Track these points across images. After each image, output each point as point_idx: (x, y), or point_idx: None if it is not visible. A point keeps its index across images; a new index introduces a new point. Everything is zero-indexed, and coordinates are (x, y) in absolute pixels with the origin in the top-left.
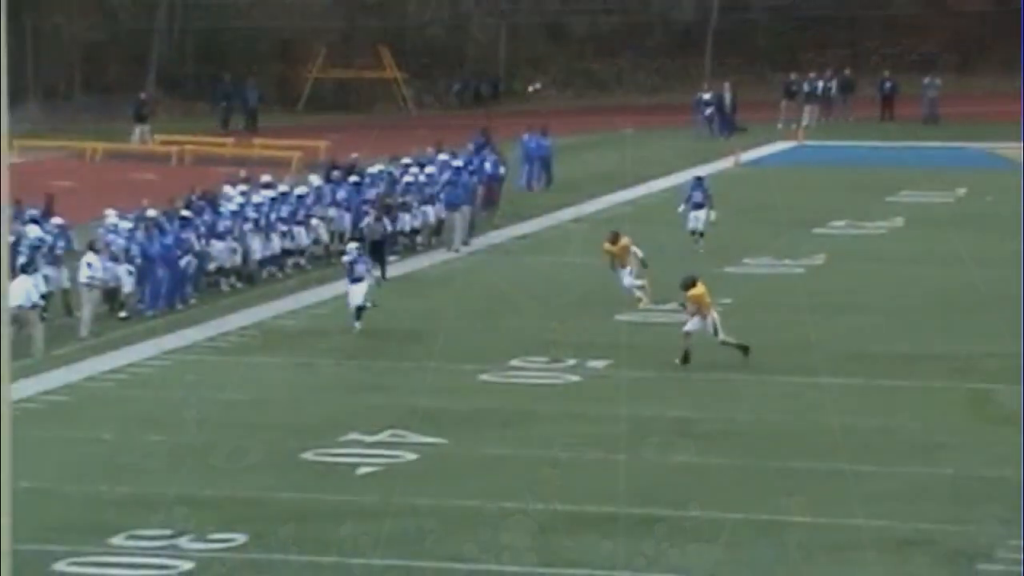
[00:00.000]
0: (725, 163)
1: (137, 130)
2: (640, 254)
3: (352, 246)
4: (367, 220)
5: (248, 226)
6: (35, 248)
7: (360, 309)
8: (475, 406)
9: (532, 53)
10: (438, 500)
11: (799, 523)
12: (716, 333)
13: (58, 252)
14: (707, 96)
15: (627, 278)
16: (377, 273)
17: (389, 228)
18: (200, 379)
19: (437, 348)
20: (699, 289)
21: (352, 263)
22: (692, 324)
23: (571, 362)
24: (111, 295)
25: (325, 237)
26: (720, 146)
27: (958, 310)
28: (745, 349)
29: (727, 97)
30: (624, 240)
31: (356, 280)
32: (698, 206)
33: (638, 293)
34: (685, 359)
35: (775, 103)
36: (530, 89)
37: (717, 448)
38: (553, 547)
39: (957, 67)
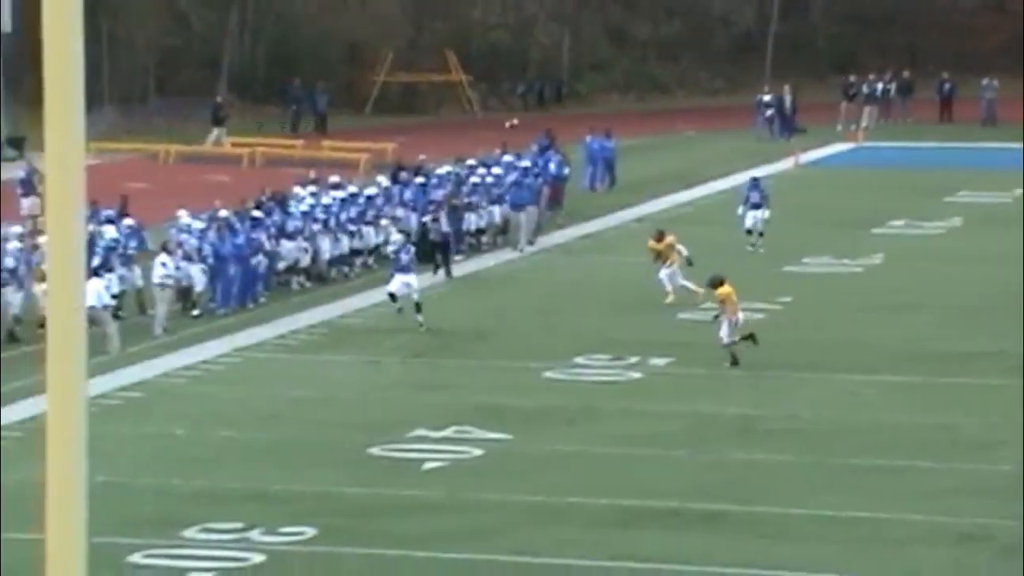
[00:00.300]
0: (785, 164)
1: (215, 132)
2: (684, 252)
3: (396, 237)
4: (426, 221)
5: (317, 226)
6: (110, 249)
7: (417, 305)
8: (539, 403)
9: (595, 57)
10: (503, 495)
11: (861, 518)
12: (727, 335)
13: (131, 252)
14: (767, 98)
15: (664, 271)
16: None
17: (447, 228)
18: (270, 376)
19: (502, 346)
20: (726, 289)
21: (397, 252)
22: (724, 328)
23: (634, 360)
24: (184, 294)
25: (394, 237)
26: (780, 147)
27: (1015, 309)
28: (735, 361)
29: (787, 99)
30: (669, 238)
31: (401, 270)
32: (755, 206)
33: (691, 287)
34: (735, 361)
35: (834, 105)
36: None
37: (779, 445)
38: (616, 541)
39: (1015, 69)
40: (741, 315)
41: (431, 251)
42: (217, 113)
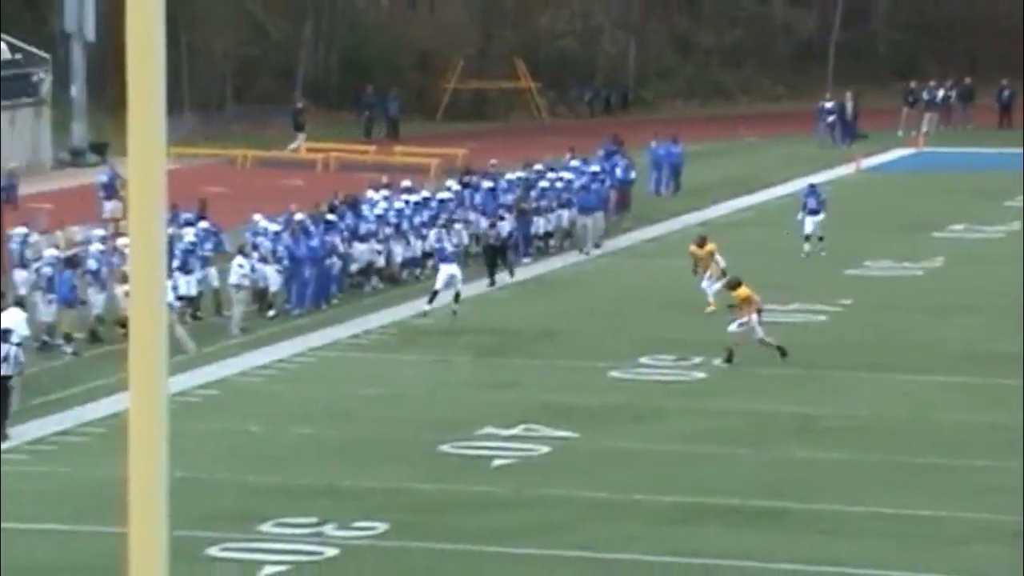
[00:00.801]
0: (847, 169)
1: (300, 137)
2: (722, 263)
3: (435, 232)
4: (483, 226)
5: (390, 230)
6: (188, 251)
7: (456, 295)
8: (605, 401)
9: (660, 64)
10: (569, 492)
11: (919, 516)
12: (740, 330)
13: (208, 254)
14: (829, 105)
15: (705, 281)
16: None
17: (506, 232)
18: (343, 375)
19: (569, 346)
20: (744, 290)
21: (440, 241)
22: (758, 329)
23: (697, 360)
24: (260, 295)
25: (465, 240)
26: (842, 153)
27: None
28: (730, 357)
29: (848, 105)
30: (710, 246)
31: (445, 260)
32: (813, 212)
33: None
34: (783, 352)
35: (896, 111)
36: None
37: (838, 443)
38: (678, 538)
39: None
40: (755, 317)
41: (491, 256)
42: (297, 119)
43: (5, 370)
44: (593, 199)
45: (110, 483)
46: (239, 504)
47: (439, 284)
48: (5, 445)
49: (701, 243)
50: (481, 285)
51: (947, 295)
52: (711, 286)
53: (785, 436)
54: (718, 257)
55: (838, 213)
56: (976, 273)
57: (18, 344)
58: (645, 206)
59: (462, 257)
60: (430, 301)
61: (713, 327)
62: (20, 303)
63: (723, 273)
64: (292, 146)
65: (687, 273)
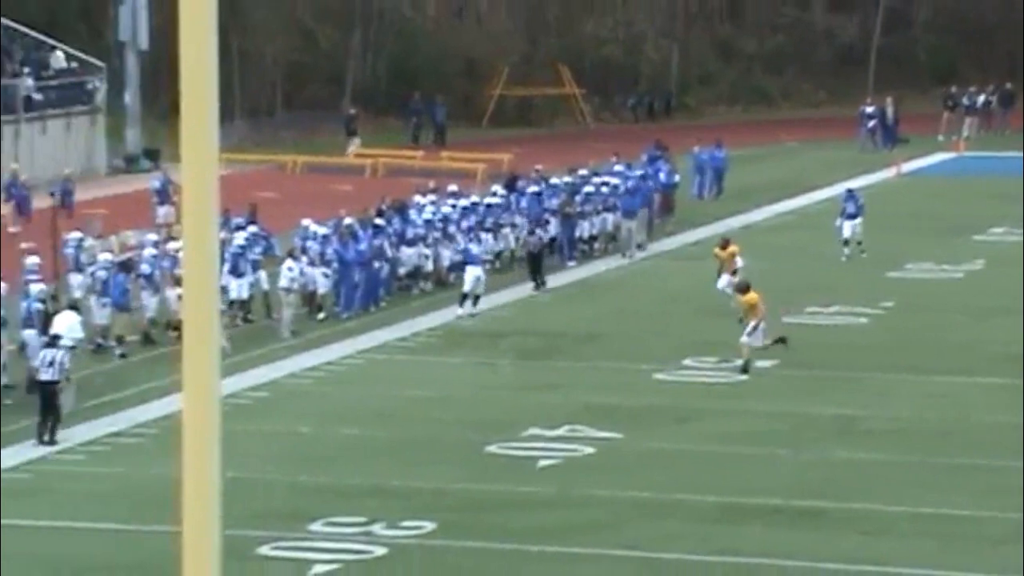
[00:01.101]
0: (887, 173)
1: (355, 142)
2: (740, 263)
3: (486, 236)
4: (523, 233)
5: (437, 234)
6: (238, 254)
7: (476, 298)
8: (649, 403)
9: (702, 70)
10: (613, 491)
11: (959, 516)
12: (750, 337)
13: (258, 258)
14: (870, 109)
15: (723, 280)
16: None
17: (545, 239)
18: (391, 377)
19: (613, 348)
20: (753, 295)
21: (468, 243)
22: (760, 336)
23: (740, 362)
24: (309, 298)
25: (512, 244)
26: (883, 157)
27: None
28: (746, 368)
29: (889, 110)
30: (732, 247)
31: (472, 262)
32: (851, 216)
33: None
34: (781, 340)
35: (936, 116)
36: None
37: (879, 444)
38: (721, 537)
39: None
40: (763, 324)
41: (533, 262)
42: (350, 125)
43: (51, 375)
44: (637, 203)
45: (163, 483)
46: (289, 504)
47: (468, 287)
48: (59, 447)
49: (724, 245)
50: (526, 288)
51: (987, 297)
52: (729, 287)
53: (826, 437)
54: (739, 259)
55: (879, 217)
56: (1016, 276)
57: (72, 347)
58: (688, 210)
59: (508, 261)
60: (462, 304)
61: None
62: (74, 306)
63: (734, 272)
64: (350, 150)
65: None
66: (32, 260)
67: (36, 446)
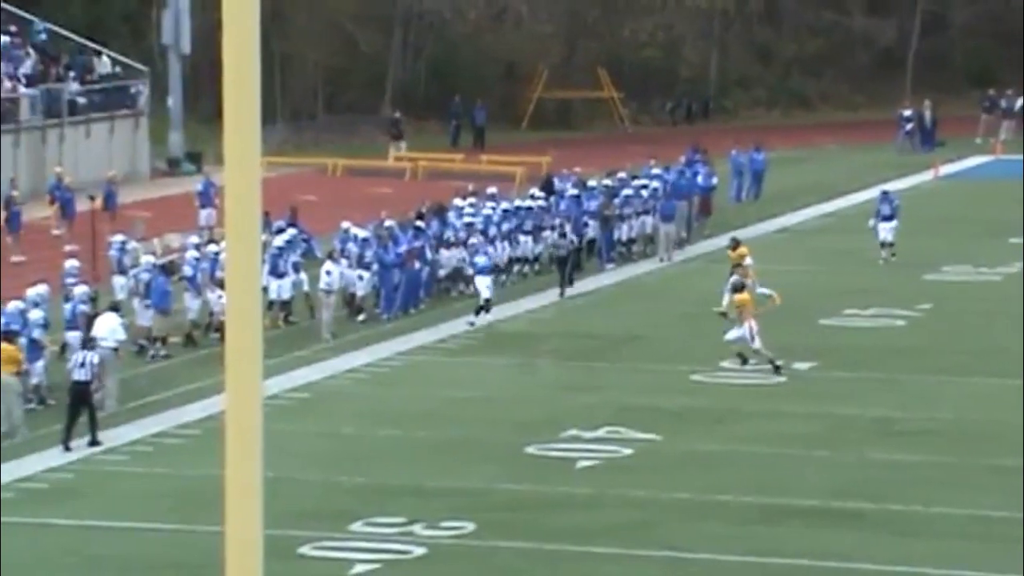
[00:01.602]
0: (925, 176)
1: (401, 145)
2: (748, 262)
3: (474, 240)
4: (552, 237)
5: (478, 236)
6: (276, 256)
7: (487, 302)
8: (687, 404)
9: (740, 73)
10: (651, 492)
11: (997, 517)
12: (752, 339)
13: (298, 260)
14: (907, 112)
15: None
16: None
17: (575, 243)
18: (430, 378)
19: (651, 350)
20: (745, 296)
21: (475, 254)
22: (756, 339)
23: (777, 363)
24: (350, 300)
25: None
26: (920, 160)
27: None
28: (777, 367)
29: (927, 113)
30: (742, 249)
31: (481, 272)
32: (887, 218)
33: (766, 292)
34: (776, 368)
35: (974, 118)
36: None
37: (917, 446)
38: (759, 538)
39: None
40: (754, 323)
41: (561, 266)
42: (395, 128)
43: (83, 375)
44: (673, 207)
45: (206, 483)
46: (330, 504)
47: (487, 293)
48: (102, 446)
49: (735, 246)
50: (567, 290)
51: None
52: (761, 290)
53: (864, 439)
54: (749, 259)
55: (917, 220)
56: None
57: (115, 349)
58: (726, 213)
59: (547, 264)
60: (477, 313)
61: (793, 331)
62: (115, 308)
63: (745, 274)
64: (395, 153)
65: (768, 277)
66: (71, 263)
67: (63, 452)
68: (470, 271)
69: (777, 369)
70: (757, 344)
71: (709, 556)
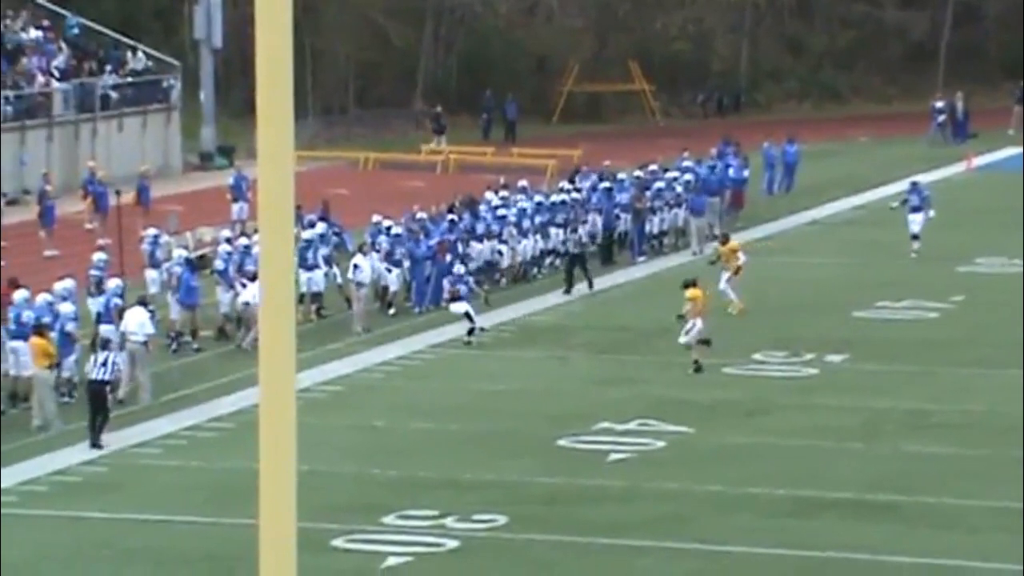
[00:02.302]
0: (958, 168)
1: (442, 140)
2: (742, 259)
3: (459, 268)
4: (565, 234)
5: (512, 229)
6: (304, 248)
7: (472, 322)
8: (719, 397)
9: (772, 66)
10: (684, 485)
11: None
12: (686, 333)
13: (330, 253)
14: (940, 104)
15: (723, 279)
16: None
17: (587, 240)
18: (462, 371)
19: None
20: (697, 292)
21: (455, 284)
22: (693, 334)
23: (809, 356)
24: (381, 293)
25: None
26: (953, 152)
27: None
28: (698, 367)
29: (959, 105)
30: (733, 243)
31: (457, 300)
32: (916, 209)
33: (731, 297)
34: (705, 341)
35: (1007, 110)
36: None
37: (951, 438)
38: (792, 530)
39: None
40: (700, 322)
41: (571, 264)
42: (438, 123)
43: (102, 375)
44: (703, 201)
45: (239, 476)
46: (362, 496)
47: (466, 310)
48: (136, 439)
49: (724, 240)
50: (599, 283)
51: None
52: (730, 284)
53: (898, 431)
54: (741, 255)
55: (950, 211)
56: None
57: (144, 343)
58: (758, 206)
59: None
60: (471, 332)
61: (825, 323)
62: (143, 302)
63: (737, 270)
64: (435, 147)
65: (800, 270)
66: (99, 256)
67: (89, 449)
68: (504, 264)
69: (698, 369)
70: (685, 339)
71: (742, 549)
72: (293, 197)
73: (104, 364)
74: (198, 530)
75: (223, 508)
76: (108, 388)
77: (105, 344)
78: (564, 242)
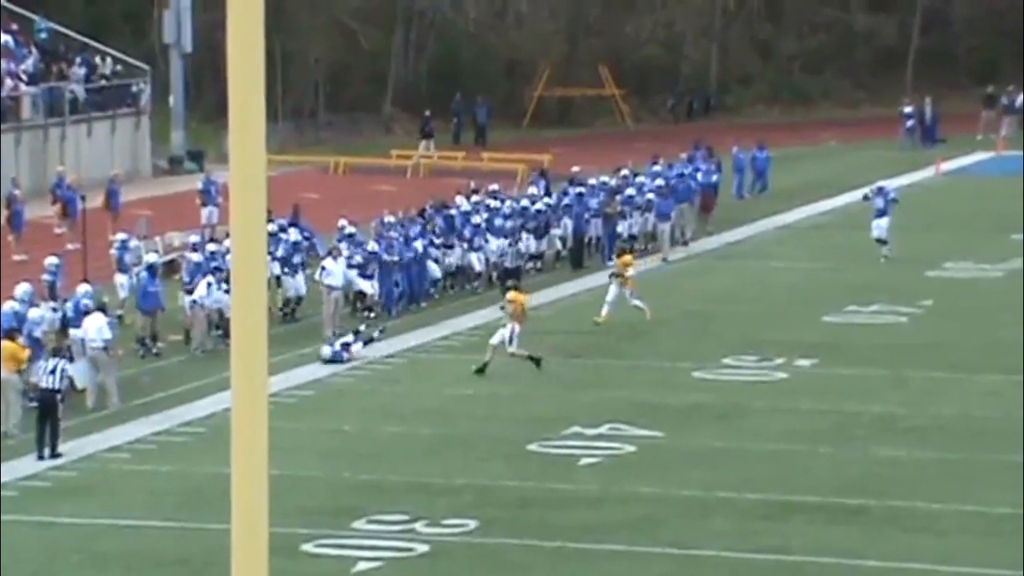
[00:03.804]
0: (927, 173)
1: (430, 144)
2: (630, 273)
3: (477, 238)
4: (499, 246)
5: (486, 234)
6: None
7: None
8: (690, 401)
9: (742, 70)
10: (655, 489)
11: (1002, 514)
12: (511, 342)
13: (298, 260)
14: (909, 109)
15: (612, 291)
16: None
17: (528, 250)
18: (434, 375)
19: (654, 347)
20: (521, 296)
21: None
22: (512, 340)
23: (780, 360)
24: (355, 297)
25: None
26: (922, 157)
27: None
28: (537, 361)
29: (928, 110)
30: (627, 257)
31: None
32: (881, 214)
33: (642, 305)
34: (536, 361)
35: (975, 115)
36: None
37: (922, 442)
38: (764, 534)
39: None
40: (519, 327)
41: (506, 276)
42: (425, 126)
43: (51, 383)
44: (670, 206)
45: (209, 480)
46: (333, 501)
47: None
48: (105, 444)
49: (620, 253)
50: (568, 288)
51: None
52: (616, 296)
53: (868, 435)
54: (631, 271)
55: (919, 216)
56: None
57: (103, 348)
58: (728, 210)
59: (551, 262)
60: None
61: (795, 328)
62: (102, 308)
63: (625, 282)
64: (423, 152)
65: (770, 275)
66: (51, 260)
67: (36, 461)
68: (477, 268)
69: (537, 363)
70: (513, 348)
71: (714, 553)
72: (265, 202)
73: (53, 372)
74: (169, 534)
75: (194, 512)
76: (59, 396)
77: (56, 352)
78: (501, 255)
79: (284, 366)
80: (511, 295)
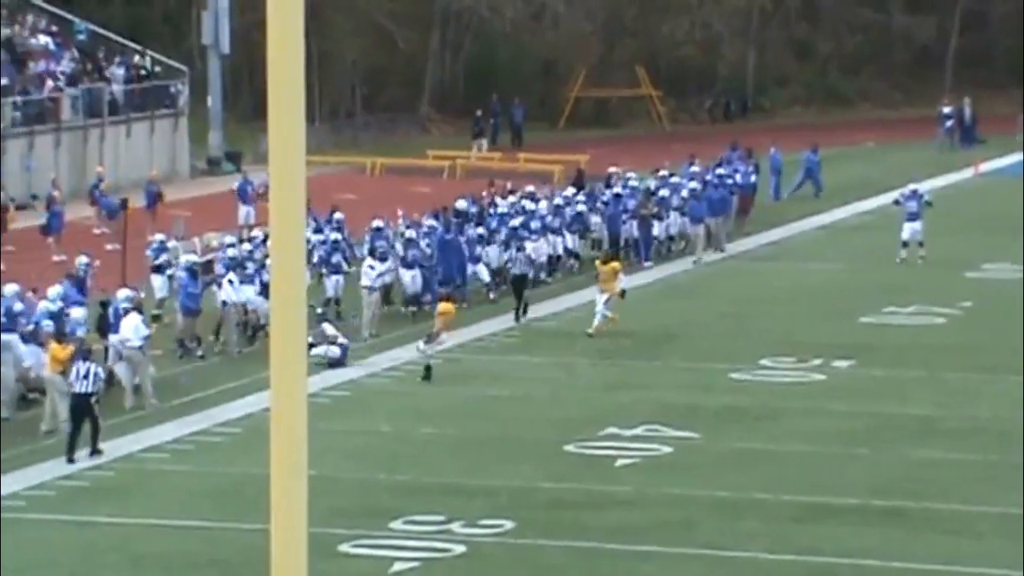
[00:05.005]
0: (965, 174)
1: (484, 143)
2: (623, 283)
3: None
4: (509, 255)
5: (516, 234)
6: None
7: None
8: (726, 403)
9: (779, 71)
10: (690, 491)
11: None
12: (436, 344)
13: (337, 260)
14: (947, 110)
15: (600, 300)
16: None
17: (535, 259)
18: (469, 376)
19: (690, 348)
20: (449, 307)
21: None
22: (434, 348)
23: (817, 362)
24: (389, 297)
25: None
26: (960, 157)
27: None
28: (428, 371)
29: (967, 111)
30: (614, 264)
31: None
32: (913, 217)
33: (609, 315)
34: (427, 374)
35: (1014, 116)
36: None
37: (958, 444)
38: (798, 537)
39: None
40: (446, 336)
41: (519, 287)
42: (479, 126)
43: (84, 387)
44: (703, 209)
45: (246, 481)
46: (369, 502)
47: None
48: (143, 444)
49: (605, 259)
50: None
51: None
52: (604, 306)
53: (904, 437)
54: (622, 276)
55: (957, 217)
56: None
57: (139, 347)
58: (765, 211)
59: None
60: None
61: (832, 329)
62: (138, 308)
63: (622, 293)
64: (477, 151)
65: (807, 276)
66: (81, 260)
67: (66, 464)
68: (512, 270)
69: (427, 372)
70: (432, 351)
71: (749, 555)
72: (305, 203)
73: (87, 376)
74: (206, 535)
75: (231, 513)
76: (94, 399)
77: (87, 355)
78: (510, 261)
79: (320, 366)
80: (441, 308)
